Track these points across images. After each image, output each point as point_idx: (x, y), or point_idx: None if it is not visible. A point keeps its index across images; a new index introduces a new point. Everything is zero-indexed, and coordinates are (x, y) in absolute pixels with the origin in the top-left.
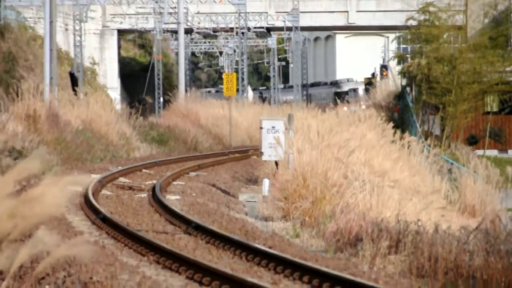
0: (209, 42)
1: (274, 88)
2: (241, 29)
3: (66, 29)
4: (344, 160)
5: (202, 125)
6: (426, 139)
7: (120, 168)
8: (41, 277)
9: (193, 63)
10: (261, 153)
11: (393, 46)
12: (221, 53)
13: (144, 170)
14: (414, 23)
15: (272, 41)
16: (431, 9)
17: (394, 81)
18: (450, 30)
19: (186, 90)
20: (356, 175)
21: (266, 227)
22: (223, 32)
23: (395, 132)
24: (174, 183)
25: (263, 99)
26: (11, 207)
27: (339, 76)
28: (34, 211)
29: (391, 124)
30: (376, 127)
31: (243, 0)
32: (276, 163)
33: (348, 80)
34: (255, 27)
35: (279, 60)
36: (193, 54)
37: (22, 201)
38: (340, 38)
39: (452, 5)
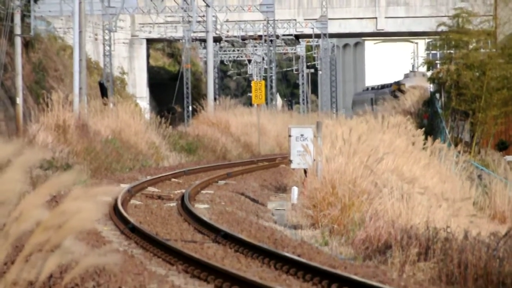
0: (238, 50)
1: (303, 97)
2: (269, 36)
3: (96, 39)
4: (373, 167)
5: (231, 133)
6: (456, 145)
7: (149, 177)
8: (70, 287)
9: (222, 71)
10: (290, 161)
11: (422, 52)
12: (249, 61)
13: (173, 179)
14: (444, 28)
15: (301, 49)
16: (462, 14)
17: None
18: (479, 35)
19: (215, 99)
20: (385, 182)
21: (295, 235)
22: (251, 40)
23: (425, 139)
24: (203, 191)
25: (291, 106)
26: (45, 220)
27: (368, 82)
28: (68, 225)
29: (421, 130)
30: (406, 133)
31: (271, 8)
32: (305, 171)
33: (413, 74)
34: (283, 35)
35: (308, 67)
36: (222, 62)
37: (56, 214)
38: (369, 45)
39: (480, 11)
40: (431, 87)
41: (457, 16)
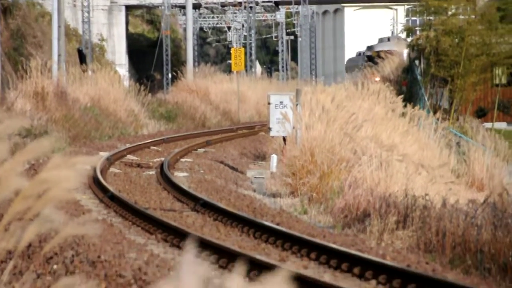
0: (217, 17)
1: (283, 65)
2: (249, 3)
3: (74, 5)
4: (352, 135)
5: (210, 101)
6: (434, 112)
7: (128, 145)
8: (49, 257)
9: (202, 38)
10: (269, 129)
11: (402, 18)
12: (229, 28)
13: (152, 147)
14: None
15: (280, 16)
16: None
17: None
18: (459, 2)
19: (194, 66)
20: (364, 149)
21: (274, 204)
22: (231, 7)
23: (404, 106)
24: (182, 160)
25: (271, 73)
26: (25, 189)
27: (348, 49)
28: (48, 194)
29: (400, 97)
30: (384, 100)
31: None
32: (284, 138)
33: (388, 39)
34: (263, 1)
35: (288, 34)
36: (201, 29)
37: (35, 183)
38: (349, 11)
39: None
40: (406, 52)
41: None
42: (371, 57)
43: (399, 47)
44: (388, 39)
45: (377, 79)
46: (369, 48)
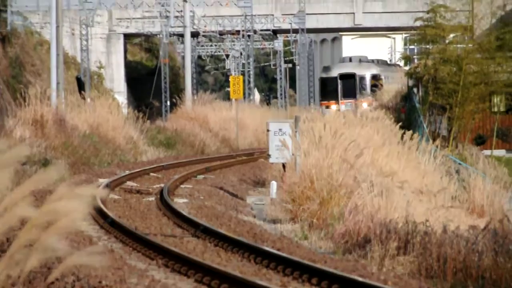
0: (216, 45)
1: (281, 92)
2: (247, 31)
3: (73, 34)
4: (352, 161)
5: (209, 128)
6: (433, 140)
7: (127, 172)
8: (51, 282)
9: (200, 66)
10: (269, 156)
11: (400, 47)
12: (227, 56)
13: (151, 174)
14: (421, 23)
15: (278, 44)
16: (438, 9)
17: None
18: (456, 30)
19: (193, 93)
20: (364, 176)
21: (274, 230)
22: (229, 35)
23: (403, 133)
24: (182, 186)
25: (269, 100)
26: (32, 218)
27: None
28: (56, 225)
29: (399, 125)
30: (383, 128)
31: (249, 3)
32: (284, 165)
33: (349, 59)
34: (261, 30)
35: (286, 62)
36: (199, 57)
37: (43, 212)
38: (347, 40)
39: (456, 6)
40: (370, 76)
41: (433, 11)
42: (324, 81)
43: (362, 70)
44: (350, 59)
45: (365, 105)
46: (326, 69)
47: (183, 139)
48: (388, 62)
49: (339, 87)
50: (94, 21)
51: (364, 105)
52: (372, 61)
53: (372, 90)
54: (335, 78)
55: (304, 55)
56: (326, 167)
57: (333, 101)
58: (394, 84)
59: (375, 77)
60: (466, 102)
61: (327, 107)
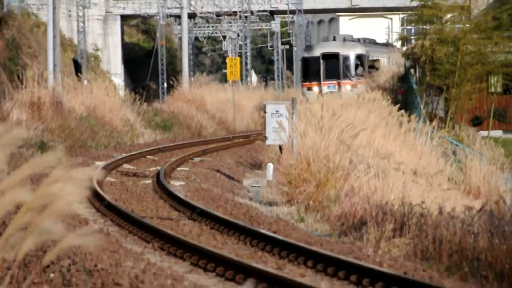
0: (213, 27)
1: (278, 74)
2: (244, 12)
3: (69, 16)
4: (348, 143)
5: (206, 110)
6: (430, 121)
7: (124, 154)
8: (46, 265)
9: (197, 48)
10: (265, 138)
11: (397, 27)
12: (224, 37)
13: (148, 156)
14: (418, 3)
15: (275, 25)
16: None
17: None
18: (452, 10)
19: (190, 75)
20: (360, 158)
21: (270, 212)
22: (226, 16)
23: (400, 115)
24: (179, 169)
25: (266, 82)
26: (28, 202)
27: None
28: (52, 208)
29: (396, 106)
30: (380, 109)
31: None
32: (280, 147)
33: (333, 39)
34: (258, 11)
35: (283, 43)
36: (196, 38)
37: (38, 196)
38: (344, 21)
39: None
40: (354, 55)
41: None
42: (306, 61)
43: (345, 49)
44: (334, 38)
45: (348, 87)
46: (308, 49)
47: (180, 121)
48: (381, 41)
49: (322, 67)
50: (90, 2)
51: (348, 87)
52: (358, 40)
53: (368, 72)
54: (317, 58)
55: (301, 36)
56: (323, 149)
57: (315, 82)
58: (386, 66)
59: (360, 57)
60: (463, 82)
61: (309, 88)
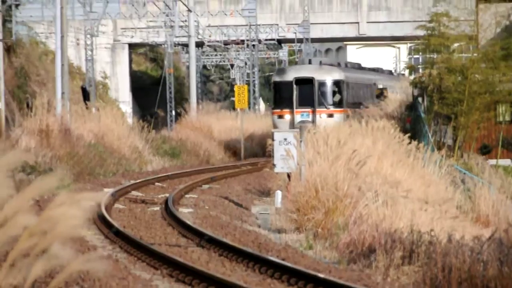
0: (221, 55)
1: None
2: (252, 41)
3: (78, 44)
4: (356, 171)
5: (214, 137)
6: (438, 149)
7: (132, 181)
8: None
9: (205, 76)
10: (274, 165)
11: (404, 56)
12: (232, 65)
13: (156, 184)
14: (424, 32)
15: (283, 53)
16: (441, 18)
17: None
18: (460, 39)
19: (198, 103)
20: (368, 186)
21: (279, 239)
22: (234, 45)
23: (409, 143)
24: (187, 196)
25: None
26: (32, 225)
27: None
28: (55, 231)
29: (406, 135)
30: (388, 137)
31: (253, 13)
32: (288, 175)
33: (309, 61)
34: (266, 39)
35: None
36: (204, 67)
37: (42, 220)
38: (351, 49)
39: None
40: (331, 81)
41: (437, 21)
42: (278, 85)
43: (322, 74)
44: (310, 61)
45: (324, 116)
46: (280, 72)
47: (188, 149)
48: (372, 66)
49: (295, 93)
50: (98, 31)
51: (323, 116)
52: (338, 64)
53: (377, 98)
54: (290, 82)
55: None
56: (331, 176)
57: (287, 110)
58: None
59: (338, 84)
60: (471, 111)
61: (280, 116)
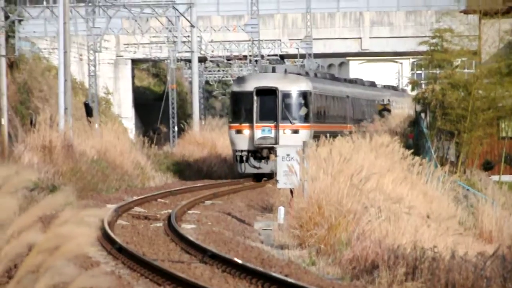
0: (223, 70)
1: None
2: (254, 56)
3: (81, 59)
4: (359, 187)
5: (217, 153)
6: (441, 165)
7: (135, 197)
8: None
9: (207, 91)
10: (276, 181)
11: (407, 72)
12: None
13: (159, 200)
14: (427, 48)
15: None
16: (444, 34)
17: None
18: (463, 55)
19: (200, 119)
20: (371, 202)
21: (282, 255)
22: (236, 60)
23: (412, 159)
24: (190, 212)
25: None
26: (39, 243)
27: None
28: (63, 249)
29: (408, 151)
30: (391, 153)
31: (256, 28)
32: (291, 191)
33: (272, 69)
34: (268, 55)
35: None
36: (207, 82)
37: (49, 237)
38: (354, 65)
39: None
40: (298, 92)
41: (439, 36)
42: (236, 96)
43: (286, 84)
44: (273, 69)
45: (288, 132)
46: (240, 80)
47: (191, 164)
48: (342, 77)
49: (255, 106)
50: (101, 46)
51: (287, 131)
52: (307, 73)
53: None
54: (250, 93)
55: None
56: (334, 192)
57: (246, 125)
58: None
59: (305, 95)
60: (474, 127)
61: (238, 131)
